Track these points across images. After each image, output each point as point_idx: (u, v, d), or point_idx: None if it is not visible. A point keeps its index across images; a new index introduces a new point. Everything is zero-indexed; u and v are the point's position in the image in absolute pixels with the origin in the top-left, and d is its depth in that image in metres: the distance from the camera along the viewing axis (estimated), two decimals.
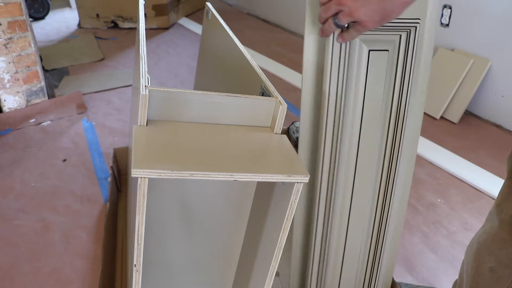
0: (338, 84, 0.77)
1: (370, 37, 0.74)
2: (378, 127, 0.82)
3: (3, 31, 1.72)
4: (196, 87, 1.51)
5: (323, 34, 0.71)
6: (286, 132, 1.61)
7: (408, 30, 0.75)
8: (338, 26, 0.67)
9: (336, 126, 0.81)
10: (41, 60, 2.12)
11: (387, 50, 0.77)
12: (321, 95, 0.78)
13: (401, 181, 0.84)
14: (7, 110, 1.86)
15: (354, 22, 0.65)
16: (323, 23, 0.69)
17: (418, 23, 0.75)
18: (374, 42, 0.75)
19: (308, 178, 0.56)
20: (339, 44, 0.74)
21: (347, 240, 0.93)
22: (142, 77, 0.62)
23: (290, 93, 2.29)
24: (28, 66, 1.86)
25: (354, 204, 0.87)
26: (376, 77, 0.78)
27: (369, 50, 0.76)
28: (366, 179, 0.84)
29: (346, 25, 0.68)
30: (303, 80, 0.79)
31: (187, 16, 3.68)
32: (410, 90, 0.79)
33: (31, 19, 2.87)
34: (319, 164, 0.82)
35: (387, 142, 0.82)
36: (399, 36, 0.76)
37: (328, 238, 0.89)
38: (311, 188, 0.87)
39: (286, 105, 0.64)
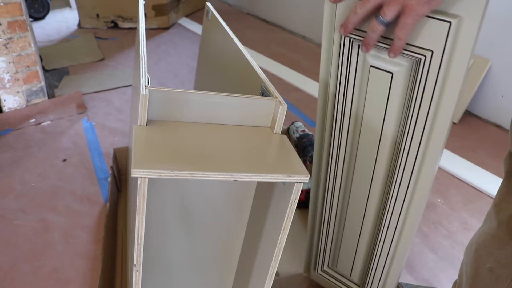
0: (339, 94, 0.77)
1: (376, 51, 0.68)
2: (374, 155, 0.78)
3: (3, 31, 1.72)
4: (196, 87, 1.51)
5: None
6: (286, 132, 1.61)
7: (417, 60, 0.65)
8: (384, 23, 0.60)
9: (334, 137, 0.82)
10: (41, 60, 2.12)
11: (390, 73, 0.69)
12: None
13: (402, 200, 0.81)
14: (7, 110, 1.86)
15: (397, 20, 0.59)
16: (356, 25, 0.64)
17: (424, 55, 0.63)
18: (378, 58, 0.69)
19: (308, 178, 0.56)
20: (339, 51, 0.72)
21: (341, 244, 0.94)
22: (142, 77, 0.62)
23: (290, 93, 2.29)
24: (28, 66, 1.86)
25: (349, 213, 0.90)
26: (376, 99, 0.73)
27: (370, 66, 0.71)
28: (361, 197, 0.85)
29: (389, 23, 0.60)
30: (320, 85, 0.80)
31: (187, 16, 3.68)
32: (414, 128, 0.70)
33: (31, 19, 2.87)
34: (321, 173, 0.87)
35: (394, 168, 0.77)
36: (411, 61, 0.66)
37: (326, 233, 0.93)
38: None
39: (286, 105, 0.64)
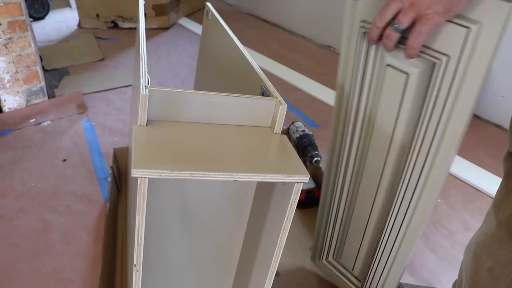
0: (354, 92, 0.77)
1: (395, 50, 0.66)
2: (384, 155, 0.78)
3: (3, 31, 1.72)
4: (196, 87, 1.51)
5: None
6: (286, 132, 1.60)
7: (433, 63, 0.62)
8: (398, 31, 0.60)
9: (347, 135, 0.84)
10: (41, 60, 2.12)
11: (406, 74, 0.67)
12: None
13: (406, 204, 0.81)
14: (7, 110, 1.86)
15: (412, 26, 0.58)
16: (379, 36, 0.64)
17: (440, 60, 0.60)
18: (395, 57, 0.67)
19: (308, 178, 0.56)
20: (357, 49, 0.72)
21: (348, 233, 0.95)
22: (142, 77, 0.62)
23: (290, 93, 2.29)
24: (28, 66, 1.86)
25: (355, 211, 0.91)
26: (390, 100, 0.71)
27: (387, 65, 0.69)
28: (368, 196, 0.86)
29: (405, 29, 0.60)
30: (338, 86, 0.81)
31: (187, 16, 3.68)
32: (425, 134, 0.69)
33: (31, 19, 2.87)
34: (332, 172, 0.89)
35: (402, 171, 0.76)
36: (427, 64, 0.63)
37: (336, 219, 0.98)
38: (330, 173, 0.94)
39: (286, 105, 0.64)
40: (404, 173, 0.75)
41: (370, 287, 0.94)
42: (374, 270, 0.91)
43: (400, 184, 0.77)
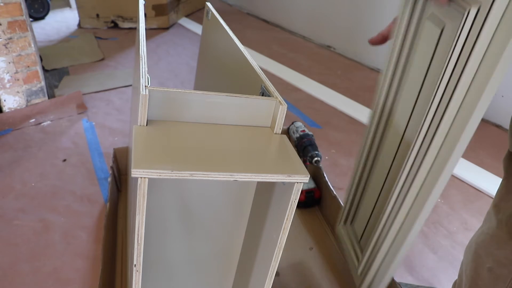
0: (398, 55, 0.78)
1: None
2: (406, 116, 0.78)
3: (3, 31, 1.72)
4: (196, 87, 1.51)
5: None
6: (286, 132, 1.60)
7: (463, 13, 0.55)
8: None
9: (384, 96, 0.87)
10: (41, 60, 2.12)
11: (442, 27, 0.60)
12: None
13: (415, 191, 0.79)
14: (7, 110, 1.86)
15: None
16: None
17: (469, 8, 0.53)
18: (435, 8, 0.63)
19: (308, 178, 0.56)
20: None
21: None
22: (142, 77, 0.62)
23: (290, 93, 2.29)
24: (28, 66, 1.86)
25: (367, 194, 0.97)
26: (422, 56, 0.68)
27: (427, 18, 0.66)
28: (384, 168, 0.90)
29: None
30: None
31: (187, 16, 3.68)
32: (438, 105, 0.64)
33: (31, 19, 2.87)
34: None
35: (418, 136, 0.72)
36: (461, 14, 0.54)
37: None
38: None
39: (286, 105, 0.64)
40: (407, 160, 0.76)
41: (366, 264, 0.94)
42: (371, 249, 0.92)
43: (399, 177, 0.79)
